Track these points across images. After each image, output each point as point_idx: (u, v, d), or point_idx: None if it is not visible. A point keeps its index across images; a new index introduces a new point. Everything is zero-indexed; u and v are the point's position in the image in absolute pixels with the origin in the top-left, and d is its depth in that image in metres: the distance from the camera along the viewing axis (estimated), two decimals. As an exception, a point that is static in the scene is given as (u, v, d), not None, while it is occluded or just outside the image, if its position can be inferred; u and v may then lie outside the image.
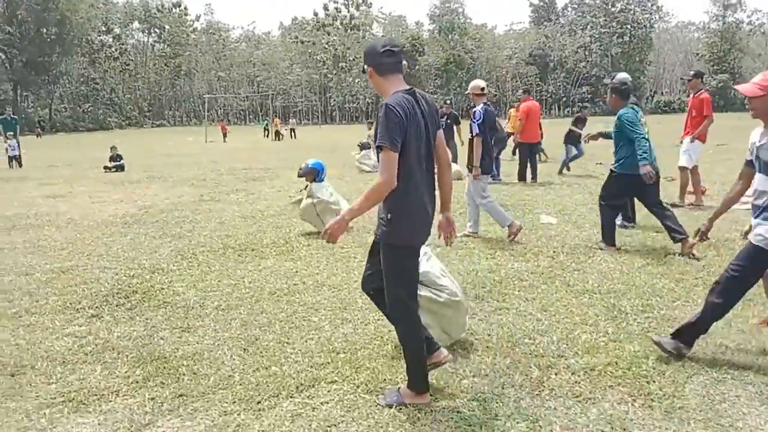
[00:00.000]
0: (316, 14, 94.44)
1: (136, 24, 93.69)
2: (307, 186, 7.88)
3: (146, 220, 9.25)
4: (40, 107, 76.29)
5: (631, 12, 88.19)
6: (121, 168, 17.56)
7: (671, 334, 3.81)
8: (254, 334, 4.41)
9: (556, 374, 3.62)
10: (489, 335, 4.27)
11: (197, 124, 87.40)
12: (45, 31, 69.94)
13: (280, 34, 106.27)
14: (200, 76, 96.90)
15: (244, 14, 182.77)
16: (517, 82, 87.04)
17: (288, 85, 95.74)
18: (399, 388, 3.35)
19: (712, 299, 3.67)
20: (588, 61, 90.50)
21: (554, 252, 6.54)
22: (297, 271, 6.04)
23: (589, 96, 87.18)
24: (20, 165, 20.02)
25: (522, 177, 12.51)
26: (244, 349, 4.13)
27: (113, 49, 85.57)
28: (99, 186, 14.11)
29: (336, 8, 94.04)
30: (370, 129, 20.35)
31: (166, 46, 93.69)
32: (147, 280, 5.81)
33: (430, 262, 4.04)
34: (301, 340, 4.27)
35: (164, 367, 3.87)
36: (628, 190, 6.71)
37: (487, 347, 4.06)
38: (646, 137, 6.19)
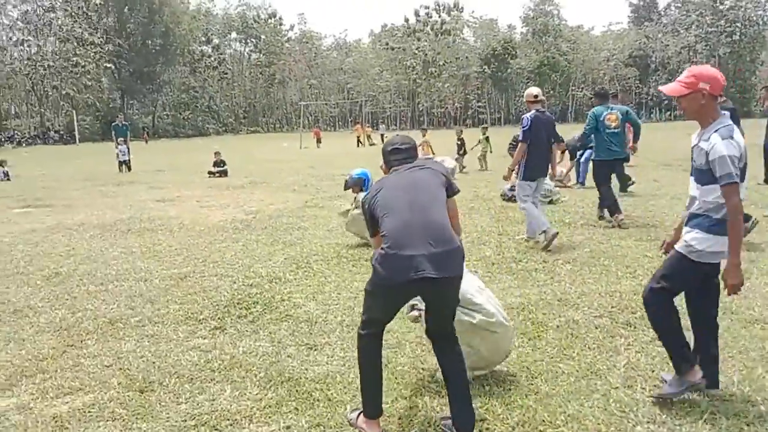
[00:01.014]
0: (407, 20, 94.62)
1: (233, 34, 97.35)
2: (355, 198, 7.59)
3: (255, 226, 9.20)
4: (144, 114, 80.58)
5: (742, 9, 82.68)
6: (224, 173, 17.95)
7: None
8: (384, 355, 4.05)
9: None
10: (652, 370, 3.72)
11: (290, 131, 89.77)
12: (150, 42, 73.93)
13: (371, 41, 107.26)
14: (293, 84, 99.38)
15: (336, 22, 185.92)
16: (615, 84, 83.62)
17: (377, 92, 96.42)
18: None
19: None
20: (693, 61, 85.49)
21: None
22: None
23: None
24: (129, 169, 20.93)
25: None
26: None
27: (212, 58, 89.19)
28: (205, 191, 14.40)
29: (427, 14, 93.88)
30: (424, 135, 19.88)
31: (261, 55, 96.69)
32: (266, 290, 5.62)
33: (465, 278, 3.59)
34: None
35: (296, 391, 3.58)
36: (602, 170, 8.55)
37: (656, 384, 3.51)
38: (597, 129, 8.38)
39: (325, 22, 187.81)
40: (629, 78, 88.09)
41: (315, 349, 4.22)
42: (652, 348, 4.03)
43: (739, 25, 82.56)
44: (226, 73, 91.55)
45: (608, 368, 3.76)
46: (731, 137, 3.11)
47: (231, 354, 4.18)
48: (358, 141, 40.39)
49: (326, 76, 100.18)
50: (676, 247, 3.33)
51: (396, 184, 3.14)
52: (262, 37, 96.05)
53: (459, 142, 18.41)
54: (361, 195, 7.48)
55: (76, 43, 64.99)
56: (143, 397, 3.58)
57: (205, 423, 3.26)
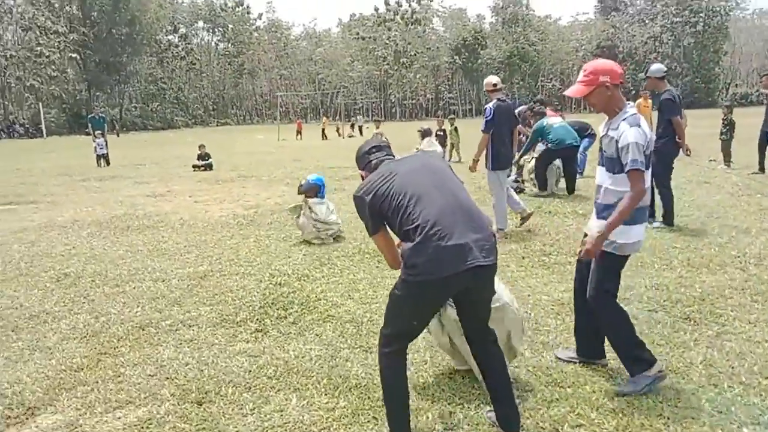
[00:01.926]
0: (377, 9, 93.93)
1: (200, 23, 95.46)
2: (305, 203, 7.42)
3: (260, 222, 8.90)
4: (111, 107, 78.52)
5: (705, 0, 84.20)
6: (209, 167, 17.49)
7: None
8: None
9: None
10: (732, 367, 3.61)
11: (260, 123, 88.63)
12: (116, 31, 71.82)
13: (340, 30, 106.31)
14: (263, 74, 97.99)
15: (305, 11, 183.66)
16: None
17: (349, 82, 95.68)
18: None
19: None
20: (659, 52, 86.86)
21: (740, 262, 5.77)
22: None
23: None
24: (108, 163, 20.26)
25: None
26: (450, 377, 3.61)
27: (180, 48, 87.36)
28: (194, 185, 13.98)
29: (397, 3, 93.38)
30: (378, 127, 20.04)
31: (229, 45, 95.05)
32: (297, 288, 5.37)
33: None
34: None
35: (368, 398, 3.38)
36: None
37: (741, 382, 3.40)
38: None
39: (294, 11, 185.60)
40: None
41: (370, 352, 4.01)
42: (721, 343, 3.94)
43: (702, 15, 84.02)
44: (195, 64, 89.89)
45: (686, 366, 3.64)
46: (638, 125, 3.19)
47: (283, 359, 3.95)
48: (323, 134, 38.73)
49: (296, 67, 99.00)
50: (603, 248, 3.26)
51: (410, 169, 2.83)
52: (230, 26, 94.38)
53: (440, 133, 18.22)
54: (314, 200, 7.41)
55: (38, 32, 62.81)
56: (203, 410, 3.34)
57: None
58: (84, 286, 5.80)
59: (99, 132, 20.37)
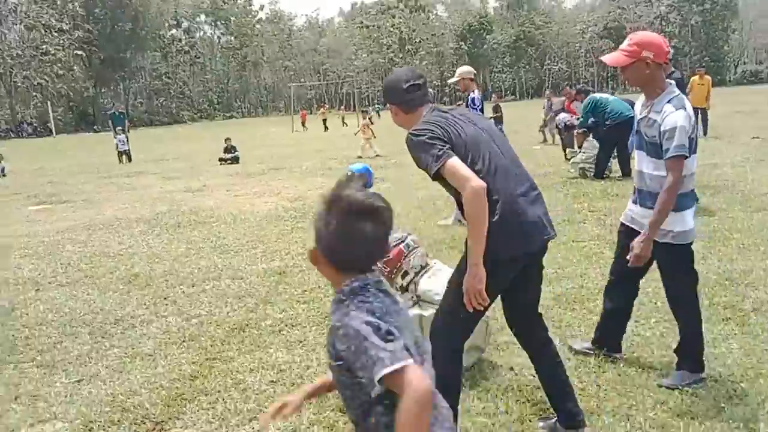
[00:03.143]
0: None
1: (202, 17, 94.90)
2: None
3: (312, 214, 8.61)
4: (114, 103, 78.19)
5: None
6: (236, 160, 17.22)
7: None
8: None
9: None
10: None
11: (265, 115, 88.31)
12: (119, 27, 71.53)
13: (344, 20, 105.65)
14: (266, 66, 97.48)
15: (307, 2, 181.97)
16: (590, 57, 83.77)
17: (354, 72, 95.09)
18: None
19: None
20: (666, 31, 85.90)
21: None
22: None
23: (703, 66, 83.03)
24: (129, 160, 20.01)
25: None
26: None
27: (183, 42, 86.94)
28: (226, 179, 13.71)
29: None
30: (365, 118, 20.22)
31: (232, 37, 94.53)
32: (391, 284, 5.09)
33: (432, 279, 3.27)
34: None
35: (527, 402, 3.10)
36: None
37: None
38: None
39: (296, 1, 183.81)
40: (604, 50, 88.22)
41: (515, 354, 3.68)
42: None
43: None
44: (198, 58, 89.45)
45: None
46: (684, 108, 2.93)
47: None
48: (324, 124, 37.25)
49: (300, 57, 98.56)
50: (657, 239, 3.03)
51: (477, 130, 2.53)
52: (232, 18, 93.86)
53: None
54: None
55: (43, 31, 62.54)
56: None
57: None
58: (159, 287, 5.54)
59: (120, 128, 20.09)
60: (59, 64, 63.11)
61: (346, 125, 37.27)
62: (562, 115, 12.63)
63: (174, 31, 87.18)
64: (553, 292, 4.57)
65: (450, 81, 8.16)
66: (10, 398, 3.57)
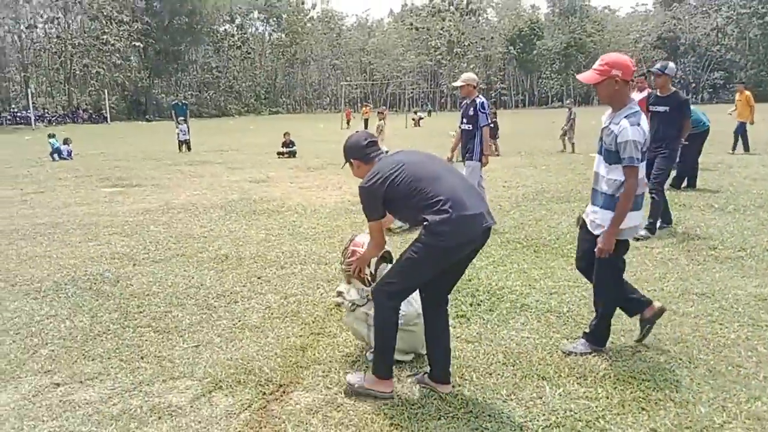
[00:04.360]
0: (431, 0, 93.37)
1: (255, 14, 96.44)
2: None
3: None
4: (167, 94, 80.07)
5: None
6: (293, 154, 17.67)
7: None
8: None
9: None
10: None
11: (310, 112, 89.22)
12: (177, 21, 73.36)
13: (393, 20, 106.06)
14: (314, 64, 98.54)
15: (358, 2, 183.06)
16: (642, 67, 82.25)
17: (401, 72, 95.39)
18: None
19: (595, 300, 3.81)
20: (722, 44, 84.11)
21: None
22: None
23: (722, 82, 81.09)
24: (189, 149, 20.66)
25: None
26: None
27: (236, 38, 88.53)
28: (288, 172, 14.13)
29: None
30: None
31: (283, 35, 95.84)
32: (473, 276, 5.31)
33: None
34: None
35: (627, 389, 3.30)
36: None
37: None
38: None
39: (348, 1, 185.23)
40: (657, 60, 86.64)
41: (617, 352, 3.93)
42: None
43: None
44: (249, 53, 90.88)
45: None
46: (638, 124, 3.40)
47: (504, 345, 3.90)
48: (366, 123, 36.08)
49: (348, 56, 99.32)
50: (594, 232, 3.61)
51: (414, 159, 3.24)
52: (284, 16, 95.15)
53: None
54: None
55: (104, 21, 64.60)
56: (457, 391, 3.31)
57: (563, 426, 3.00)
58: (251, 267, 5.89)
59: (182, 118, 20.78)
60: (117, 54, 65.10)
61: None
62: None
63: (227, 26, 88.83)
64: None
65: (454, 84, 8.41)
66: (138, 357, 3.93)
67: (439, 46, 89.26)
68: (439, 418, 3.06)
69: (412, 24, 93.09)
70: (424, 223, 3.03)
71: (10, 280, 5.68)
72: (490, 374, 3.52)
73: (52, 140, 18.85)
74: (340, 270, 3.88)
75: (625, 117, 3.42)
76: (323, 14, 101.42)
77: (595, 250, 3.54)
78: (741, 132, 15.30)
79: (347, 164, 3.48)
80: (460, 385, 3.40)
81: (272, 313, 4.63)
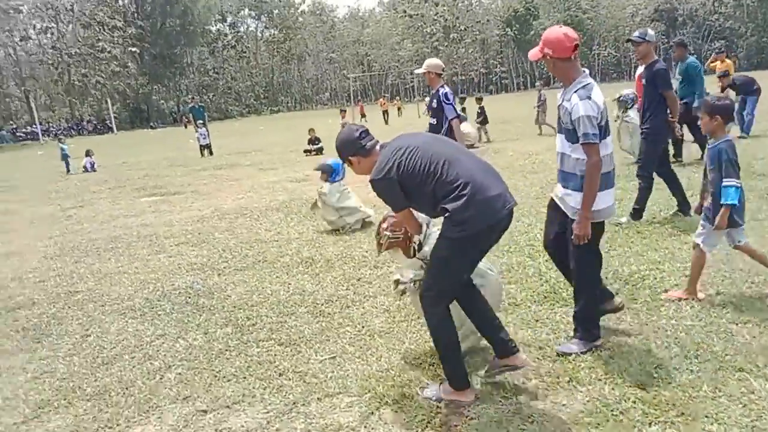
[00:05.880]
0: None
1: (246, 11, 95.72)
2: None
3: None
4: (167, 99, 79.71)
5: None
6: (320, 151, 17.42)
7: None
8: None
9: None
10: None
11: (309, 108, 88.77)
12: (169, 23, 72.89)
13: (384, 9, 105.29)
14: (310, 59, 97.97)
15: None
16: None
17: (399, 62, 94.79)
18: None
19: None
20: (720, 12, 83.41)
21: None
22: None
23: (723, 50, 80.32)
24: (211, 153, 20.33)
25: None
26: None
27: (230, 37, 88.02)
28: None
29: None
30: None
31: (276, 31, 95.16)
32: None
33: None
34: None
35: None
36: None
37: None
38: None
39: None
40: (655, 33, 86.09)
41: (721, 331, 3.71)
42: None
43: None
44: (245, 52, 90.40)
45: None
46: (589, 97, 3.20)
47: (690, 336, 3.67)
48: (384, 116, 36.29)
49: (344, 49, 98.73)
50: (570, 215, 3.41)
51: (424, 141, 3.07)
52: (275, 11, 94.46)
53: (479, 110, 17.66)
54: (327, 184, 7.51)
55: (98, 28, 64.18)
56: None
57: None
58: (343, 269, 5.68)
59: (201, 122, 20.44)
60: (115, 62, 64.69)
61: (400, 115, 37.13)
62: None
63: (220, 25, 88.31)
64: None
65: (416, 71, 7.24)
66: (276, 374, 3.71)
67: (434, 32, 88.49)
68: (650, 424, 2.83)
69: (405, 11, 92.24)
70: (445, 214, 2.87)
71: (97, 300, 5.48)
72: (680, 371, 3.28)
73: (63, 146, 19.05)
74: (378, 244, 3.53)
75: (575, 92, 3.25)
76: (314, 7, 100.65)
77: (572, 237, 3.37)
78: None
79: (347, 164, 3.25)
80: (656, 386, 3.16)
81: (394, 317, 4.42)
